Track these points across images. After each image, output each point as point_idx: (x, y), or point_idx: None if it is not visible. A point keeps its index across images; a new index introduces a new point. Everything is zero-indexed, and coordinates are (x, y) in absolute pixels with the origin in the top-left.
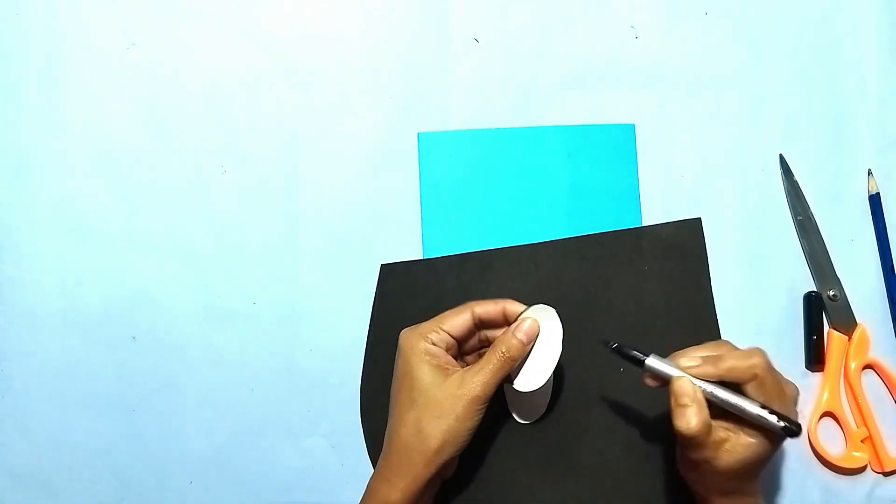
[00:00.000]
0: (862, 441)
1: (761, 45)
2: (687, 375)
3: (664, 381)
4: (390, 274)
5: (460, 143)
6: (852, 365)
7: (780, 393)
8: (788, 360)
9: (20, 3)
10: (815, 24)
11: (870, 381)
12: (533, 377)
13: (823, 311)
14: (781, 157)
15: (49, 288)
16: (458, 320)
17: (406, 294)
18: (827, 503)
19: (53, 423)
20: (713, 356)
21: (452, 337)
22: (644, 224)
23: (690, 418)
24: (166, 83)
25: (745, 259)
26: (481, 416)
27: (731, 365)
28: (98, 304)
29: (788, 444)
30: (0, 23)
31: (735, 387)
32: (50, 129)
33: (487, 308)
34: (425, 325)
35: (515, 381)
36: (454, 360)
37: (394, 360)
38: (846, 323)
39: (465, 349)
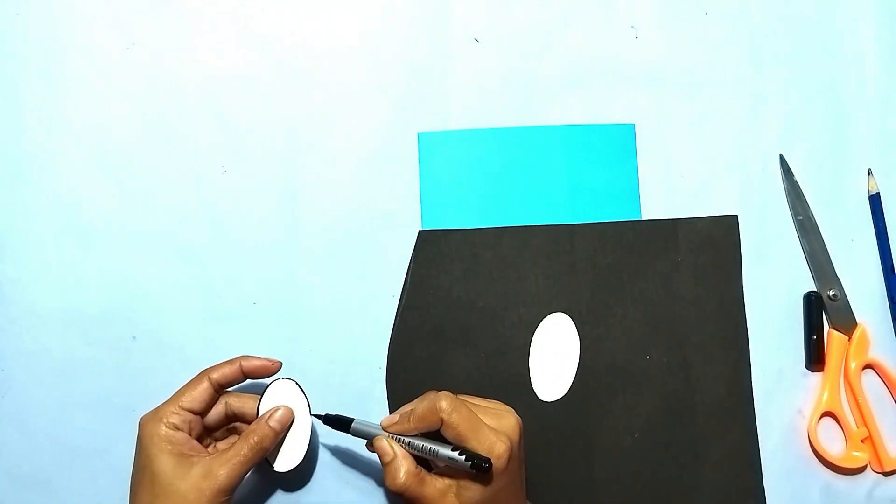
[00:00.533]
0: (862, 441)
1: (761, 45)
2: (385, 434)
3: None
4: (427, 241)
5: (460, 143)
6: (852, 365)
7: (473, 428)
8: (788, 360)
9: (20, 3)
10: (815, 25)
11: (870, 381)
12: (290, 456)
13: (823, 311)
14: (781, 157)
15: (49, 288)
16: (196, 392)
17: (443, 261)
18: (827, 503)
19: (53, 423)
20: (407, 412)
21: (194, 412)
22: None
23: (396, 473)
24: (166, 83)
25: (745, 259)
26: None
27: (419, 415)
28: (98, 303)
29: (788, 444)
30: (0, 23)
31: (436, 434)
32: (50, 129)
33: (224, 371)
34: (164, 408)
35: (275, 463)
36: (199, 445)
37: (424, 324)
38: (846, 323)
39: (211, 422)
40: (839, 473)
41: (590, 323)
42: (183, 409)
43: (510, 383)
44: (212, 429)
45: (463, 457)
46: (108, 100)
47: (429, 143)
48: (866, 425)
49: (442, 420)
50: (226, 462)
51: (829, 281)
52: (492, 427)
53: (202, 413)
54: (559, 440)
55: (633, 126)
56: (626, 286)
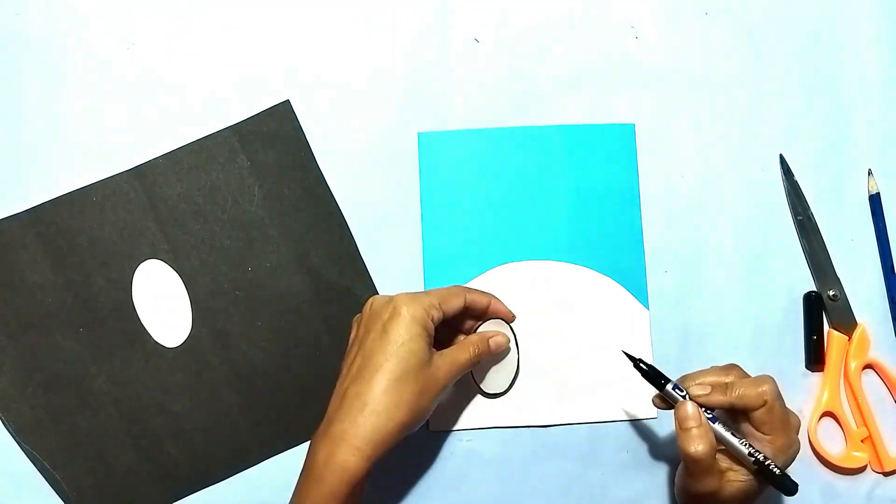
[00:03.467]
0: (862, 441)
1: (761, 45)
2: (690, 402)
3: (669, 404)
4: None
5: (460, 143)
6: (852, 365)
7: (784, 422)
8: (788, 360)
9: (20, 3)
10: (815, 24)
11: (870, 381)
12: (499, 381)
13: (823, 311)
14: (781, 157)
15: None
16: (454, 303)
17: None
18: (827, 503)
19: None
20: (723, 383)
21: (445, 316)
22: (642, 224)
23: (698, 442)
24: (166, 83)
25: (745, 259)
26: (438, 401)
27: (741, 392)
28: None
29: None
30: (0, 23)
31: (741, 413)
32: (50, 130)
33: (477, 298)
34: (426, 299)
35: (484, 385)
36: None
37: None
38: (846, 323)
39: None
40: (839, 473)
41: (182, 257)
42: (441, 310)
43: (128, 343)
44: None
45: (777, 471)
46: (108, 100)
47: (429, 143)
48: (866, 425)
49: (765, 402)
50: (450, 359)
51: (829, 281)
52: (793, 425)
53: (447, 318)
54: (192, 379)
55: (633, 126)
56: (204, 208)
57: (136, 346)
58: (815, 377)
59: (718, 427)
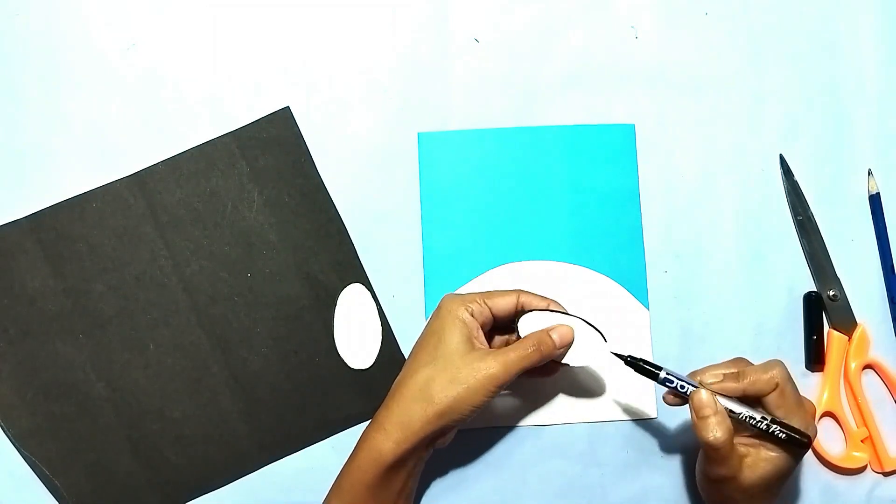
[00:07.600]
0: (862, 441)
1: (761, 45)
2: (704, 389)
3: (682, 396)
4: None
5: (460, 143)
6: (852, 365)
7: (798, 404)
8: (788, 360)
9: (20, 3)
10: (814, 24)
11: (870, 381)
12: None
13: (823, 311)
14: (781, 157)
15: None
16: (503, 301)
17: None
18: (827, 503)
19: None
20: (733, 372)
21: (493, 315)
22: (645, 222)
23: (715, 429)
24: (166, 90)
25: (745, 259)
26: (491, 396)
27: (752, 378)
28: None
29: None
30: (0, 23)
31: (755, 400)
32: (50, 130)
33: (533, 301)
34: (470, 296)
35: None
36: (484, 338)
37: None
38: (846, 323)
39: (501, 315)
40: (839, 473)
41: (182, 263)
42: (486, 304)
43: (127, 349)
44: (499, 320)
45: (785, 430)
46: (108, 100)
47: (429, 143)
48: (866, 425)
49: (777, 386)
50: (503, 354)
51: (829, 281)
52: (808, 409)
53: (496, 319)
54: (192, 385)
55: (633, 126)
56: (203, 214)
57: (136, 353)
58: (815, 377)
59: (726, 401)
